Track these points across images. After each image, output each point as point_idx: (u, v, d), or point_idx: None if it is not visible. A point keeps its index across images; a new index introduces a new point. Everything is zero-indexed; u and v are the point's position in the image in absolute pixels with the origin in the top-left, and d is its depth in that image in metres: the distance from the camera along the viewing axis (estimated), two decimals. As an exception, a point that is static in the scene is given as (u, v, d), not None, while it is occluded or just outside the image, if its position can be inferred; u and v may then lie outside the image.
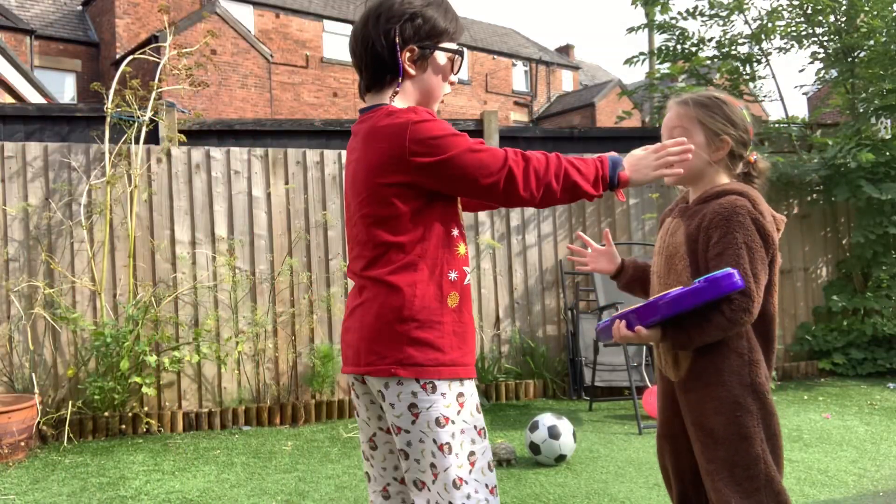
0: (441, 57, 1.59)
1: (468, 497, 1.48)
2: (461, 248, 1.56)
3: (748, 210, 1.71)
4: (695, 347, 1.72)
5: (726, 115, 1.82)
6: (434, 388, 1.49)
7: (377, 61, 1.56)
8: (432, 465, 1.49)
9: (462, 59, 1.64)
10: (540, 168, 1.49)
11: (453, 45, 1.61)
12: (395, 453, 1.61)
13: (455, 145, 1.47)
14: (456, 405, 1.50)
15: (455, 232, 1.56)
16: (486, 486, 1.52)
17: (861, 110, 5.86)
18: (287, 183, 4.97)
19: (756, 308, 1.66)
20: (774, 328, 1.79)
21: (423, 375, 1.48)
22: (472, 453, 1.51)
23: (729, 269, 1.61)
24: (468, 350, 1.55)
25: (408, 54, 1.55)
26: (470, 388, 1.54)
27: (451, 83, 1.65)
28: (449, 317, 1.52)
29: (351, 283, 5.13)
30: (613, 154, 1.60)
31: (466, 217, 5.34)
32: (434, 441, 1.48)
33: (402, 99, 1.59)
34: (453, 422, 1.49)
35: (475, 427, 1.53)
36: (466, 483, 1.49)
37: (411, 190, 1.49)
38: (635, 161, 1.61)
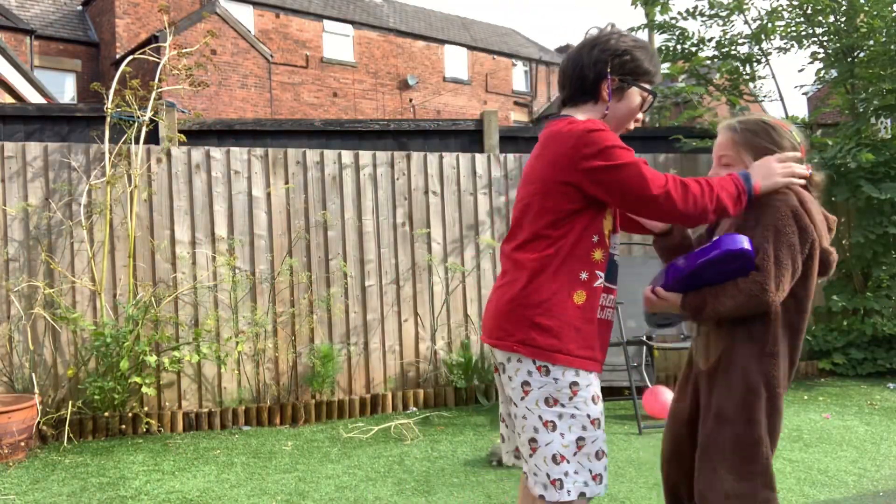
0: (636, 94, 1.79)
1: (566, 474, 1.65)
2: (597, 254, 1.72)
3: (789, 201, 1.81)
4: (710, 316, 1.81)
5: (773, 139, 1.92)
6: (548, 372, 1.67)
7: (581, 83, 1.79)
8: (532, 440, 1.68)
9: (654, 101, 1.84)
10: (697, 192, 1.68)
11: (649, 87, 1.81)
12: None
13: (625, 157, 1.65)
14: (568, 391, 1.67)
15: (595, 238, 1.72)
16: (590, 471, 1.67)
17: (861, 110, 5.85)
18: (287, 183, 4.97)
19: (772, 287, 1.74)
20: (804, 321, 1.87)
21: (539, 358, 1.67)
22: (581, 439, 1.67)
23: (736, 234, 1.75)
24: (589, 345, 1.70)
25: (609, 84, 1.76)
26: (587, 379, 1.69)
27: (637, 120, 1.84)
28: (573, 311, 1.69)
29: (351, 284, 5.14)
30: (741, 170, 1.81)
31: (466, 217, 5.34)
32: (539, 417, 1.67)
33: (587, 118, 1.78)
34: (563, 405, 1.66)
35: (588, 416, 1.68)
36: (568, 462, 1.66)
37: (575, 192, 1.68)
38: (763, 170, 1.80)
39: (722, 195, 1.71)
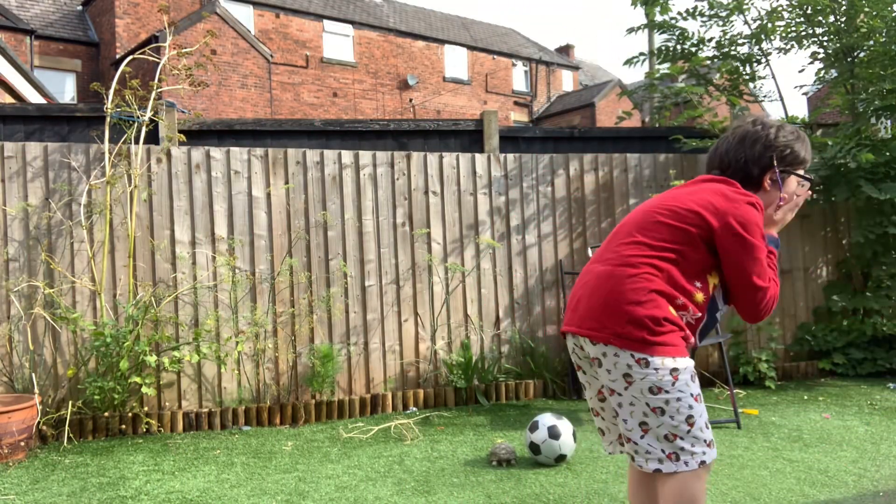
0: (793, 181, 2.01)
1: (682, 450, 1.84)
2: (697, 296, 1.92)
3: None
4: None
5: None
6: (647, 364, 1.84)
7: (745, 175, 1.99)
8: (643, 424, 1.87)
9: (810, 184, 2.04)
10: (776, 293, 1.95)
11: (804, 174, 2.01)
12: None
13: (759, 240, 1.88)
14: (670, 377, 1.85)
15: (699, 284, 1.93)
16: (704, 441, 1.86)
17: (861, 110, 5.85)
18: (287, 183, 4.97)
19: None
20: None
21: (639, 350, 1.85)
22: (690, 416, 1.85)
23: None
24: (676, 340, 1.89)
25: (771, 175, 1.98)
26: (683, 363, 1.87)
27: (793, 203, 2.04)
28: (673, 320, 1.89)
29: (351, 284, 5.10)
30: (773, 238, 2.01)
31: (466, 217, 5.34)
32: (647, 404, 1.85)
33: None
34: (667, 391, 1.84)
35: (691, 394, 1.86)
36: (681, 438, 1.84)
37: (705, 233, 1.89)
38: (781, 224, 2.06)
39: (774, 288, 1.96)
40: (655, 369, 1.83)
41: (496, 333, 5.34)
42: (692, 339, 1.97)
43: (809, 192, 2.03)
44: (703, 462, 1.85)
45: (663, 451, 1.85)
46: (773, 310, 1.88)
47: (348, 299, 5.03)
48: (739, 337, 5.64)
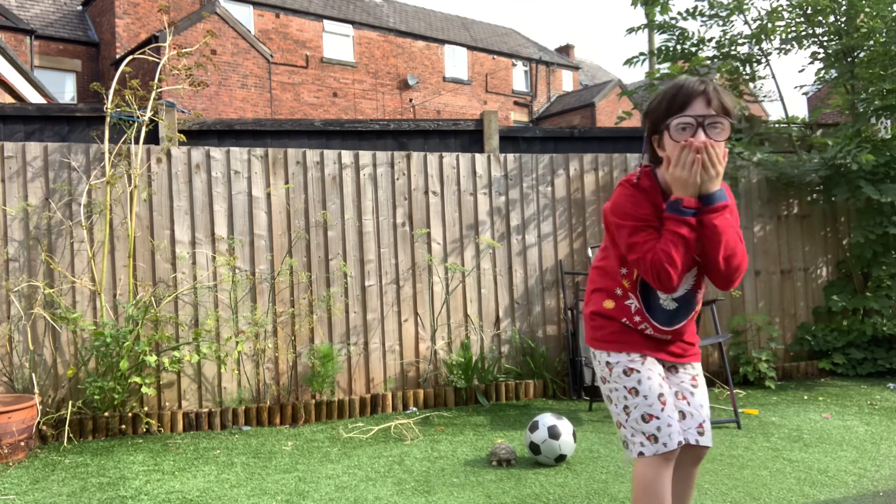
0: (667, 138, 1.87)
1: (625, 438, 1.96)
2: (625, 282, 2.00)
3: None
4: None
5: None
6: (595, 357, 2.05)
7: (650, 152, 1.99)
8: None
9: (695, 125, 1.83)
10: (653, 259, 1.85)
11: (676, 119, 1.84)
12: None
13: (622, 219, 1.90)
14: (607, 370, 2.00)
15: (625, 270, 2.00)
16: (643, 433, 1.91)
17: (861, 110, 5.85)
18: (287, 183, 4.97)
19: None
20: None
21: (590, 345, 2.06)
22: (626, 407, 1.95)
23: None
24: (610, 335, 2.00)
25: (654, 143, 1.94)
26: (615, 357, 1.99)
27: (692, 142, 1.84)
28: (606, 314, 2.02)
29: (351, 284, 5.16)
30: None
31: (466, 217, 5.34)
32: (606, 394, 2.03)
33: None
34: (608, 382, 2.00)
35: (625, 387, 1.95)
36: (624, 427, 1.96)
37: (608, 230, 2.00)
38: (678, 183, 1.87)
39: (673, 253, 1.83)
40: (598, 362, 2.04)
41: (496, 333, 5.34)
42: (644, 325, 1.98)
43: (703, 138, 1.82)
44: (641, 454, 1.90)
45: (622, 437, 1.99)
46: (667, 272, 1.82)
47: (348, 299, 5.03)
48: (739, 337, 5.64)
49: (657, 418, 1.91)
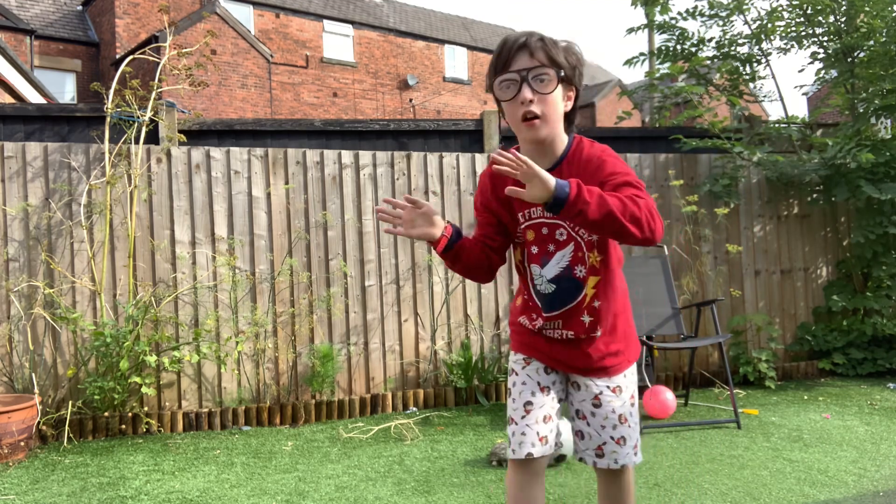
0: (497, 93, 1.76)
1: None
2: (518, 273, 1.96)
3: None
4: None
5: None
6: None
7: None
8: None
9: (506, 79, 1.72)
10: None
11: (501, 76, 1.73)
12: None
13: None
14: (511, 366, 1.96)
15: (518, 258, 1.94)
16: (507, 435, 1.88)
17: (861, 110, 5.85)
18: (287, 183, 4.97)
19: None
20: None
21: None
22: (508, 405, 1.91)
23: None
24: (514, 334, 1.97)
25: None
26: (512, 358, 1.95)
27: (524, 103, 1.71)
28: (515, 312, 1.98)
29: (351, 284, 5.15)
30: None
31: (466, 217, 5.34)
32: None
33: None
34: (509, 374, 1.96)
35: (511, 382, 1.92)
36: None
37: None
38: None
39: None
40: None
41: (496, 333, 5.34)
42: (536, 317, 1.88)
43: (528, 94, 1.68)
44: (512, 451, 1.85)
45: None
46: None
47: (348, 299, 5.03)
48: (739, 337, 5.64)
49: (515, 424, 1.84)
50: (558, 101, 1.73)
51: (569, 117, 1.80)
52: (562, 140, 1.79)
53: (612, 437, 1.86)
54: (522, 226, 1.85)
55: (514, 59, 1.70)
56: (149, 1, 19.64)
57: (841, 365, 5.67)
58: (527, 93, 1.68)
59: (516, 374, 1.89)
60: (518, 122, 1.72)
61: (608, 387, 1.87)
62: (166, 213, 4.74)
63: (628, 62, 6.65)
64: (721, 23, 6.21)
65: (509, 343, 1.96)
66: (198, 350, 4.60)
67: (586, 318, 1.83)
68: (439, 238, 1.77)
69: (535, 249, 1.84)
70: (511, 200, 1.82)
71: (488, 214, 1.87)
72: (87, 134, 4.82)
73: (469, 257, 1.82)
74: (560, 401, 1.89)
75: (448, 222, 1.81)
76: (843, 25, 5.79)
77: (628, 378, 1.91)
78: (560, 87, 1.72)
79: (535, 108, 1.69)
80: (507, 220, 1.86)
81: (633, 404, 1.90)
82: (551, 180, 1.56)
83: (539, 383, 1.85)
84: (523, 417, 1.82)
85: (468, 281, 5.30)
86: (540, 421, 1.82)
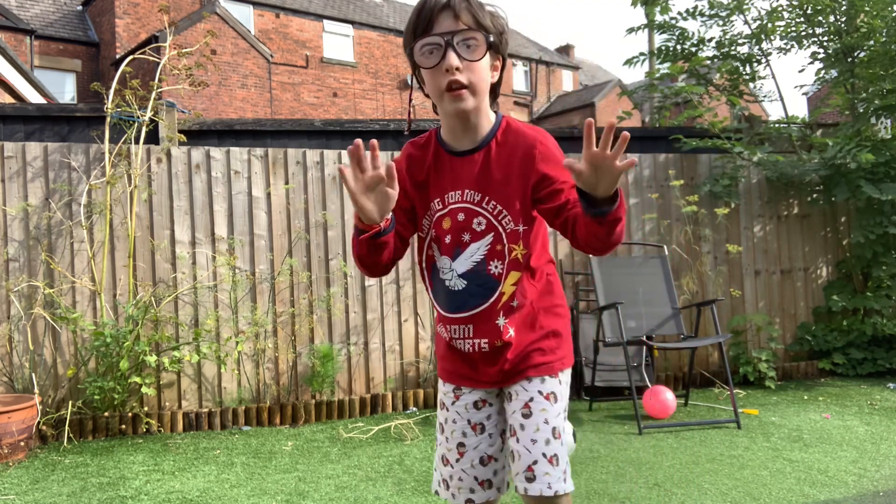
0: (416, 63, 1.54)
1: (435, 464, 1.72)
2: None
3: None
4: None
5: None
6: None
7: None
8: None
9: (428, 44, 1.49)
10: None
11: (417, 43, 1.51)
12: None
13: None
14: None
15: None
16: (440, 475, 1.68)
17: (861, 110, 5.85)
18: (287, 183, 4.97)
19: None
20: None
21: None
22: (437, 437, 1.72)
23: None
24: (438, 357, 1.74)
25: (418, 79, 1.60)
26: (442, 387, 1.72)
27: (449, 70, 1.49)
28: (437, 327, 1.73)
29: (351, 284, 5.16)
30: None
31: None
32: None
33: None
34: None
35: (438, 419, 1.72)
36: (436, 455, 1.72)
37: None
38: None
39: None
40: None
41: (496, 333, 5.33)
42: (446, 326, 1.66)
43: (455, 61, 1.47)
44: (437, 492, 1.69)
45: None
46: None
47: (348, 299, 5.03)
48: (739, 337, 5.64)
49: (451, 466, 1.65)
50: (486, 70, 1.53)
51: (494, 91, 1.60)
52: (488, 116, 1.59)
53: (544, 455, 1.53)
54: (437, 214, 1.61)
55: (437, 20, 1.48)
56: (149, 1, 19.64)
57: (841, 365, 5.67)
58: (453, 59, 1.46)
59: (446, 410, 1.68)
60: (441, 92, 1.50)
61: (540, 392, 1.58)
62: (166, 213, 4.74)
63: (628, 62, 6.65)
64: (721, 23, 6.21)
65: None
66: (198, 350, 4.60)
67: (501, 322, 1.59)
68: (379, 222, 1.47)
69: (448, 239, 1.60)
70: (427, 184, 1.62)
71: (402, 198, 1.61)
72: (87, 134, 4.82)
73: (388, 251, 1.55)
74: (503, 432, 1.66)
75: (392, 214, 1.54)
76: (843, 25, 5.79)
77: (563, 386, 1.62)
78: (488, 54, 1.52)
79: (462, 77, 1.47)
80: (419, 206, 1.64)
81: (565, 418, 1.62)
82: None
83: (470, 421, 1.64)
84: (458, 461, 1.63)
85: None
86: (477, 464, 1.62)
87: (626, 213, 1.48)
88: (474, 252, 1.58)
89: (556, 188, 1.51)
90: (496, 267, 1.57)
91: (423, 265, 1.67)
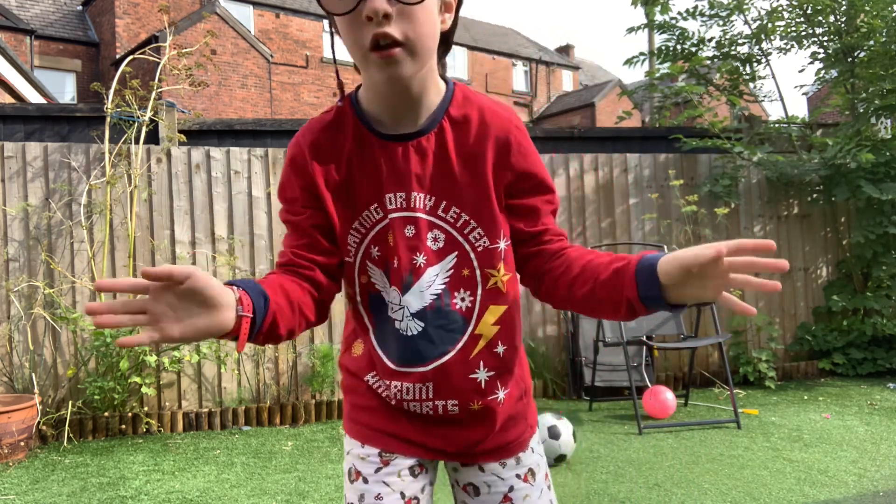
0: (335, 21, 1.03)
1: None
2: (359, 303, 1.26)
3: None
4: None
5: None
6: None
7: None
8: None
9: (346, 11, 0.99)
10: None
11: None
12: None
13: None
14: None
15: (358, 284, 1.22)
16: None
17: (861, 110, 5.85)
18: (287, 183, 4.96)
19: None
20: None
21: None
22: None
23: None
24: (349, 405, 1.24)
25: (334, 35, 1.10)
26: (348, 445, 1.21)
27: (370, 19, 0.96)
28: (351, 369, 1.26)
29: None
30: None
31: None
32: None
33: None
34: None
35: (346, 496, 1.20)
36: None
37: None
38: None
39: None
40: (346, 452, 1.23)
41: (496, 333, 5.33)
42: (389, 377, 1.16)
43: (383, 4, 0.95)
44: None
45: None
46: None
47: (348, 299, 5.02)
48: (739, 337, 5.64)
49: None
50: (433, 16, 1.02)
51: (446, 42, 1.12)
52: (436, 84, 1.11)
53: None
54: (377, 227, 1.12)
55: None
56: (149, 1, 19.65)
57: (841, 365, 5.67)
58: (379, 1, 0.95)
59: (363, 482, 1.14)
60: (365, 51, 0.98)
61: (518, 475, 1.19)
62: (166, 212, 4.74)
63: (628, 62, 6.65)
64: (721, 23, 6.21)
65: (344, 419, 1.25)
66: (198, 350, 4.60)
67: (482, 375, 1.14)
68: (237, 320, 0.94)
69: (395, 263, 1.11)
70: (351, 184, 1.11)
71: (313, 210, 1.11)
72: (87, 134, 4.82)
73: (289, 321, 1.05)
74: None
75: (237, 284, 0.96)
76: (843, 25, 5.79)
77: (537, 451, 1.23)
78: None
79: (394, 30, 0.96)
80: (341, 218, 1.12)
81: (549, 486, 1.23)
82: None
83: (404, 495, 1.14)
84: None
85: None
86: None
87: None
88: (432, 280, 1.11)
89: (531, 203, 1.12)
90: (463, 300, 1.12)
91: (359, 298, 1.19)
